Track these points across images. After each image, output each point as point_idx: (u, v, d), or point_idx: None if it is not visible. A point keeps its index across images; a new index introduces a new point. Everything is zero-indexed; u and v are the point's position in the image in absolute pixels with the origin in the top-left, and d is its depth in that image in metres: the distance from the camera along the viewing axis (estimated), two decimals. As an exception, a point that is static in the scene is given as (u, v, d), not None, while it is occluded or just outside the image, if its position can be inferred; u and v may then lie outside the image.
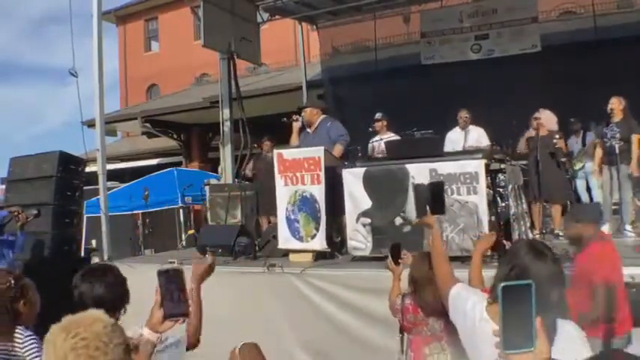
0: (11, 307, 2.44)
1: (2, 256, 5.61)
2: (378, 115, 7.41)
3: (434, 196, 2.52)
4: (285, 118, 6.58)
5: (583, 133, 8.10)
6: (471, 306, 1.86)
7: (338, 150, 6.11)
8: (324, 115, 6.56)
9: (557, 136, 6.30)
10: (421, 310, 2.84)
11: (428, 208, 2.48)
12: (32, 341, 2.39)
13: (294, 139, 6.46)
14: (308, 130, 6.48)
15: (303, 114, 6.46)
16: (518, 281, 1.28)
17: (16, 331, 2.42)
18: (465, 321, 1.87)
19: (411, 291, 2.92)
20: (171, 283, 1.61)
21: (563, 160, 6.43)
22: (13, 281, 2.48)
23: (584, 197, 8.36)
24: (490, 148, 6.70)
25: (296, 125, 6.46)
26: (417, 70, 10.44)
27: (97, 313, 1.43)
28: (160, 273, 1.62)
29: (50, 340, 1.33)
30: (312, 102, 7.66)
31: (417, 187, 2.85)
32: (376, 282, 4.40)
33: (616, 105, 5.87)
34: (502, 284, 1.30)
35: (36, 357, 2.37)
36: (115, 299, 2.29)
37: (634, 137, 5.87)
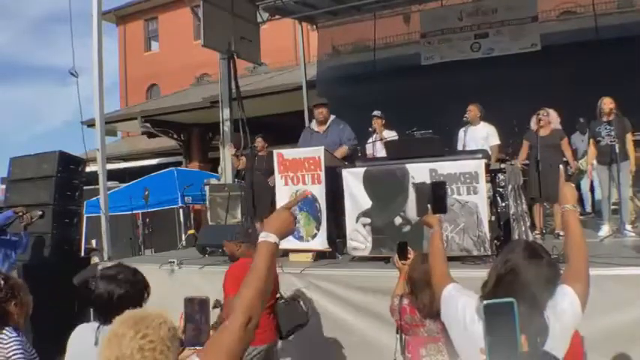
0: (1, 308, 2.42)
1: (6, 257, 5.63)
2: (376, 113, 7.38)
3: (436, 196, 2.52)
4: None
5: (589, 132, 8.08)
6: (461, 307, 1.84)
7: (342, 151, 6.12)
8: (333, 116, 6.61)
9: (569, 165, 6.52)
10: (418, 311, 2.83)
11: (430, 207, 2.48)
12: (15, 343, 2.36)
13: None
14: (315, 128, 6.50)
15: (321, 109, 6.54)
16: (501, 299, 1.32)
17: (4, 331, 2.39)
18: (456, 322, 1.85)
19: (409, 292, 2.92)
20: (195, 310, 1.63)
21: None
22: (2, 282, 2.47)
23: (587, 197, 8.34)
24: (496, 147, 6.68)
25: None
26: (416, 70, 10.43)
27: (163, 314, 1.46)
28: (187, 300, 1.65)
29: (119, 333, 1.35)
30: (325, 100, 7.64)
31: (419, 187, 2.85)
32: (376, 281, 4.41)
33: (613, 105, 5.95)
34: (484, 302, 1.33)
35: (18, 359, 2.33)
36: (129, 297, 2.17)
37: (628, 136, 6.00)
